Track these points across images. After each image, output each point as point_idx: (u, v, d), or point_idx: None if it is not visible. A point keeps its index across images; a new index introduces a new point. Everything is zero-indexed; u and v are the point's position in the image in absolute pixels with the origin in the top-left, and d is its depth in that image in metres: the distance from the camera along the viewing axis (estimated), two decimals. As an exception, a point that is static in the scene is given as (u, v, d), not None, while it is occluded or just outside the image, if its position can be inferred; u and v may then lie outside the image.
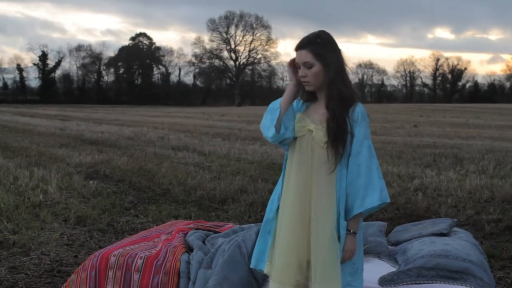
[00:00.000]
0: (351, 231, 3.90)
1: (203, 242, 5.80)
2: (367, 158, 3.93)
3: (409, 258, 5.16)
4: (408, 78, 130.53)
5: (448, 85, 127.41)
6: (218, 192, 11.61)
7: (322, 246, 3.86)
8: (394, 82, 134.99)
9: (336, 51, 3.99)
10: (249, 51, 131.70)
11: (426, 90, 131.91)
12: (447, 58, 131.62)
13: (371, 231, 5.94)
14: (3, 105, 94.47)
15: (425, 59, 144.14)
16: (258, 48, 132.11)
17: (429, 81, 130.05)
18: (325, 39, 4.00)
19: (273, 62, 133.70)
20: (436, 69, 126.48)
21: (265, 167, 15.42)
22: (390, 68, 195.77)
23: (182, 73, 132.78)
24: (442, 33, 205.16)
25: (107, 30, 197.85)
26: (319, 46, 3.95)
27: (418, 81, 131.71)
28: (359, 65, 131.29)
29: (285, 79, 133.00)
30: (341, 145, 3.89)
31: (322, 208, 3.89)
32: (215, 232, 6.26)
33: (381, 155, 17.81)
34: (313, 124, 3.95)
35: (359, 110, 3.97)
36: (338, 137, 3.88)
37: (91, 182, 12.77)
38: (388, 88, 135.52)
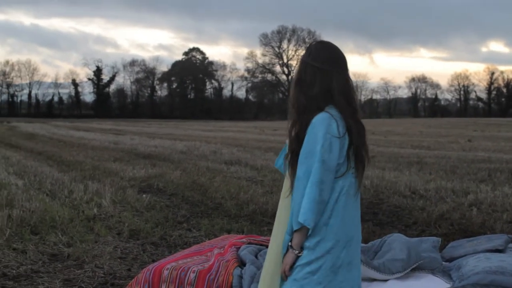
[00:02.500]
0: (290, 244, 3.83)
1: (256, 257, 5.79)
2: (299, 176, 3.80)
3: (464, 274, 5.09)
4: (462, 92, 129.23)
5: (503, 99, 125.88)
6: (270, 206, 11.57)
7: (267, 258, 4.08)
8: (448, 96, 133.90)
9: (309, 63, 3.96)
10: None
11: (480, 104, 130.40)
12: (502, 72, 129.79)
13: (425, 247, 5.87)
14: (59, 120, 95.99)
15: (480, 73, 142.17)
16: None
17: (483, 95, 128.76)
18: (309, 49, 4.06)
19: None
20: (491, 83, 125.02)
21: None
22: (443, 82, 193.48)
23: (235, 87, 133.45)
24: (497, 46, 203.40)
25: (160, 45, 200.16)
26: (304, 54, 4.09)
27: (473, 95, 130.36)
28: (412, 79, 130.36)
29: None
30: (291, 165, 3.92)
31: (276, 228, 4.05)
32: (268, 247, 6.24)
33: (435, 169, 17.65)
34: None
35: (312, 123, 3.82)
36: (291, 156, 3.92)
37: (144, 196, 12.85)
38: (442, 103, 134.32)
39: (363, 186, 13.94)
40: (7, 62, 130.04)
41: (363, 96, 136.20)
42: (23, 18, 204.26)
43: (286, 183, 3.98)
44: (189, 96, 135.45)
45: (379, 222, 10.54)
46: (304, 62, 4.00)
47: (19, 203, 11.25)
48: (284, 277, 3.88)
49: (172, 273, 5.36)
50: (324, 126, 3.76)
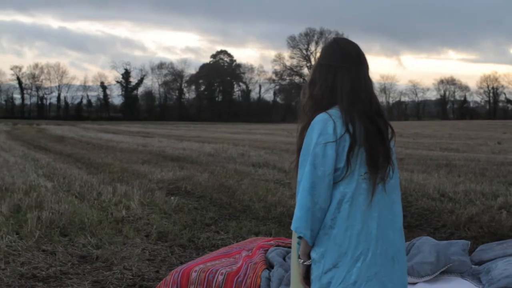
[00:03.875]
0: (298, 254, 3.68)
1: (284, 259, 5.79)
2: (298, 181, 3.62)
3: (493, 278, 5.05)
4: (491, 94, 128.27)
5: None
6: (298, 209, 11.54)
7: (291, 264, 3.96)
8: (477, 98, 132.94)
9: (319, 63, 3.78)
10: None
11: (510, 106, 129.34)
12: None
13: (454, 250, 5.83)
14: (88, 122, 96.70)
15: (509, 75, 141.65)
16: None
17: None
18: (327, 49, 3.82)
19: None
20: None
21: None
22: (472, 84, 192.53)
23: (263, 90, 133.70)
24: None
25: (187, 48, 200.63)
26: (321, 57, 3.84)
27: (502, 97, 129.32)
28: (441, 81, 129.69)
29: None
30: (296, 167, 3.74)
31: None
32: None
33: (464, 172, 17.52)
34: None
35: (311, 124, 3.60)
36: (296, 158, 3.73)
37: (172, 198, 12.89)
38: (471, 105, 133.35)
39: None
40: (36, 65, 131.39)
41: (391, 99, 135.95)
42: (51, 21, 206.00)
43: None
44: (217, 98, 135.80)
45: (407, 225, 10.47)
46: (315, 63, 3.86)
47: (49, 205, 11.31)
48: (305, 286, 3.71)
49: (200, 275, 5.37)
50: (319, 128, 3.53)
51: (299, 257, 3.65)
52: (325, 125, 3.51)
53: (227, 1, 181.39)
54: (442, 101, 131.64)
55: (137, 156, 24.32)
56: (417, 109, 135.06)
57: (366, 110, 3.62)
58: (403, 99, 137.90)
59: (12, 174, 16.45)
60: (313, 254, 3.57)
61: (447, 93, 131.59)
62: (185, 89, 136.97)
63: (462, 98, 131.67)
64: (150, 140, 37.31)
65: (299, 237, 3.60)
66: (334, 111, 3.57)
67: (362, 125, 3.56)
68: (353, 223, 3.51)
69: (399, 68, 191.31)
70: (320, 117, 3.55)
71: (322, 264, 3.54)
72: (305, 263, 3.62)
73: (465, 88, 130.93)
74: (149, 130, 61.07)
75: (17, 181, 14.91)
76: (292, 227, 3.55)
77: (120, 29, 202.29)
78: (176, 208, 11.80)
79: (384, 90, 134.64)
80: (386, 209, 3.62)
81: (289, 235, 9.36)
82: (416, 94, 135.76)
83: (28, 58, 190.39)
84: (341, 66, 3.67)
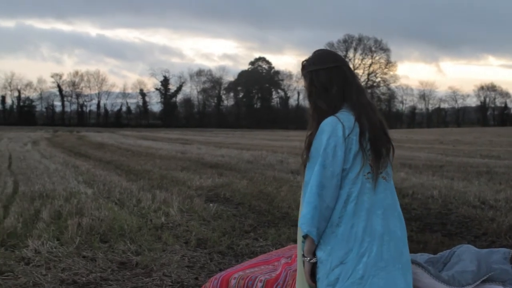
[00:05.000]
0: (302, 253, 3.82)
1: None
2: (306, 182, 3.81)
3: (536, 287, 4.98)
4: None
5: None
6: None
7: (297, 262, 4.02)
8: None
9: (319, 69, 3.91)
10: (368, 74, 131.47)
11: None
12: None
13: (495, 258, 5.76)
14: (127, 129, 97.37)
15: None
16: (377, 71, 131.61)
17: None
18: (310, 59, 4.00)
19: (393, 85, 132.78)
20: None
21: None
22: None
23: (301, 96, 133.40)
24: None
25: (224, 55, 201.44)
26: (305, 68, 3.99)
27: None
28: (481, 88, 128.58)
29: (404, 102, 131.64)
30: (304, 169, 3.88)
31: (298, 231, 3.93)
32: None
33: (505, 179, 17.34)
34: None
35: (320, 127, 3.79)
36: (304, 160, 3.89)
37: (211, 205, 12.91)
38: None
39: (431, 197, 13.81)
40: (76, 73, 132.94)
41: (430, 105, 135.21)
42: (90, 29, 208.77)
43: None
44: (255, 105, 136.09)
45: (447, 233, 10.40)
46: (313, 71, 3.94)
47: (89, 212, 11.40)
48: (311, 284, 3.83)
49: (239, 282, 5.36)
50: (329, 130, 3.70)
51: (303, 255, 3.79)
52: (335, 128, 3.70)
53: (264, 9, 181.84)
54: (482, 108, 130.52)
55: (176, 163, 24.40)
56: (457, 116, 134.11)
57: (371, 107, 3.90)
58: (442, 105, 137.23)
59: (53, 181, 16.60)
60: (320, 252, 3.74)
61: (487, 99, 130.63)
62: (223, 96, 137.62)
63: (503, 105, 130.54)
64: (189, 147, 37.45)
65: (305, 236, 3.74)
66: (344, 113, 3.79)
67: (368, 124, 3.80)
68: (358, 221, 3.69)
69: (439, 75, 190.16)
70: (330, 120, 3.73)
71: (329, 261, 3.70)
72: (311, 260, 3.76)
73: (506, 95, 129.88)
74: (188, 137, 61.32)
75: (57, 187, 15.04)
76: (300, 225, 3.72)
77: (158, 37, 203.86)
78: (215, 215, 11.83)
79: (423, 96, 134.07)
80: (391, 208, 3.88)
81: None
82: (456, 101, 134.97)
83: (68, 65, 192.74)
84: (346, 65, 3.97)
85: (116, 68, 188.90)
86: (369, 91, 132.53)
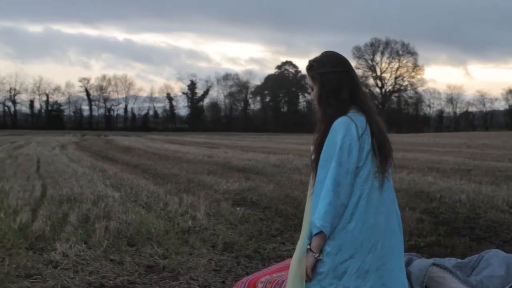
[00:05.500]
0: (309, 247, 3.87)
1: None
2: (319, 180, 3.89)
3: None
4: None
5: None
6: (364, 220, 11.45)
7: (293, 257, 4.06)
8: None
9: (330, 72, 4.00)
10: (395, 78, 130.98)
11: None
12: None
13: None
14: (154, 133, 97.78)
15: None
16: (404, 75, 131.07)
17: None
18: (320, 61, 4.08)
19: (420, 89, 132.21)
20: None
21: (412, 195, 15.12)
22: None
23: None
24: None
25: (251, 59, 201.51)
26: (314, 69, 4.07)
27: None
28: (509, 91, 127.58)
29: (432, 106, 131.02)
30: (314, 169, 4.01)
31: (303, 229, 4.02)
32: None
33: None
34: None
35: (332, 127, 3.90)
36: (315, 161, 3.99)
37: (238, 209, 12.91)
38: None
39: (459, 201, 13.72)
40: (103, 77, 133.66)
41: (458, 109, 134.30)
42: (116, 34, 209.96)
43: (311, 182, 4.06)
44: (282, 109, 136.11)
45: (476, 237, 10.32)
46: (322, 73, 4.03)
47: (116, 215, 11.45)
48: (308, 279, 3.91)
49: (266, 286, 5.36)
50: (343, 129, 3.82)
51: (311, 251, 3.86)
52: (349, 126, 3.83)
53: (291, 12, 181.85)
54: (511, 112, 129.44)
55: (202, 167, 24.44)
56: (485, 120, 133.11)
57: (375, 109, 4.05)
58: (470, 109, 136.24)
59: (81, 185, 16.70)
60: (328, 248, 3.85)
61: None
62: (250, 100, 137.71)
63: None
64: (216, 151, 37.51)
65: (315, 233, 3.83)
66: (354, 114, 3.92)
67: (376, 125, 3.95)
68: (367, 218, 3.84)
69: (466, 78, 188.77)
70: (342, 120, 3.86)
71: (338, 256, 3.83)
72: (319, 257, 3.86)
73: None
74: (215, 141, 61.42)
75: (85, 191, 15.13)
76: (316, 222, 3.78)
77: (184, 41, 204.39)
78: (242, 219, 11.83)
79: (451, 100, 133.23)
80: (391, 205, 4.02)
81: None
82: (484, 104, 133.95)
83: (95, 70, 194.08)
84: (353, 70, 4.11)
85: (143, 72, 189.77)
86: (396, 94, 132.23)
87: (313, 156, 4.06)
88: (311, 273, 3.89)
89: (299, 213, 12.43)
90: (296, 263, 3.98)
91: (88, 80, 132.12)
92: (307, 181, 18.33)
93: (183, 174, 21.26)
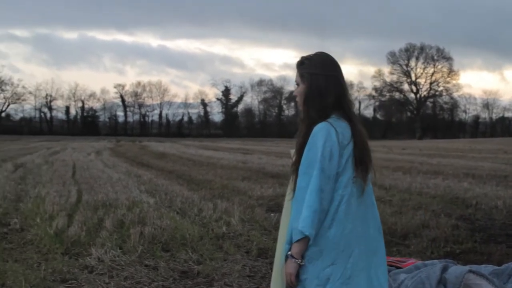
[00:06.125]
0: (290, 253, 3.86)
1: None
2: (300, 187, 3.87)
3: None
4: None
5: None
6: (399, 226, 11.39)
7: (273, 269, 4.11)
8: None
9: (320, 74, 4.01)
10: (430, 83, 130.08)
11: None
12: None
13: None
14: (188, 139, 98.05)
15: None
16: (439, 80, 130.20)
17: None
18: (312, 60, 4.08)
19: (455, 94, 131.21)
20: None
21: (448, 201, 15.01)
22: None
23: (362, 106, 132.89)
24: None
25: (285, 64, 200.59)
26: (304, 67, 4.07)
27: None
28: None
29: (467, 112, 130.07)
30: (295, 171, 4.00)
31: (280, 234, 4.05)
32: (397, 268, 6.16)
33: None
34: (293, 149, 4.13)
35: (313, 132, 3.91)
36: (296, 164, 4.00)
37: (272, 214, 12.88)
38: None
39: (495, 207, 13.58)
40: (138, 83, 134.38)
41: (494, 114, 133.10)
42: (151, 40, 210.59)
43: (290, 186, 4.06)
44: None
45: (513, 244, 10.22)
46: (312, 74, 4.04)
47: (151, 221, 11.50)
48: (292, 286, 3.90)
49: None
50: (324, 135, 3.83)
51: (292, 257, 3.84)
52: (329, 132, 3.84)
53: (324, 18, 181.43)
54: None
55: (237, 173, 24.45)
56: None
57: (355, 116, 4.06)
58: (506, 114, 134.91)
59: (116, 190, 16.79)
60: (310, 254, 3.85)
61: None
62: (284, 106, 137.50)
63: None
64: (250, 157, 37.51)
65: (299, 238, 3.80)
66: (335, 119, 3.94)
67: (358, 131, 3.99)
68: (347, 223, 3.86)
69: (502, 83, 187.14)
70: (323, 125, 3.88)
71: (320, 262, 3.83)
72: (301, 263, 3.85)
73: None
74: (249, 147, 61.43)
75: (120, 197, 15.21)
76: (300, 228, 3.76)
77: (218, 47, 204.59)
78: (276, 225, 11.78)
79: (487, 105, 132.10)
80: (369, 210, 4.05)
81: (390, 253, 9.24)
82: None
83: (130, 76, 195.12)
84: (342, 75, 4.12)
85: (177, 78, 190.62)
86: (431, 100, 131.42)
87: (294, 158, 4.09)
88: (295, 280, 3.89)
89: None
90: (280, 270, 3.98)
91: (123, 87, 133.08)
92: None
93: (217, 180, 21.29)
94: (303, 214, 3.76)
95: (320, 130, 3.85)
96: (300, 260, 3.83)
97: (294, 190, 3.94)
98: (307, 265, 3.84)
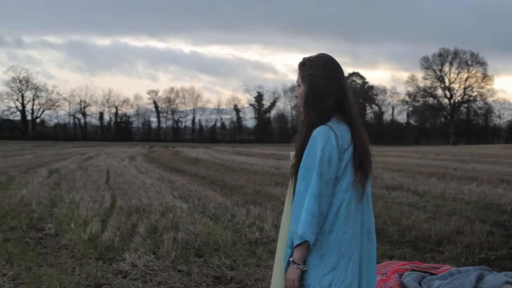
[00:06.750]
0: (291, 259, 3.84)
1: (419, 284, 5.69)
2: (299, 191, 3.85)
3: None
4: None
5: None
6: (433, 232, 11.32)
7: (273, 273, 4.11)
8: None
9: (321, 75, 3.99)
10: (464, 88, 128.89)
11: None
12: None
13: None
14: (221, 145, 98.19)
15: None
16: (473, 85, 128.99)
17: None
18: (314, 62, 4.06)
19: (490, 100, 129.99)
20: None
21: (482, 207, 14.88)
22: None
23: (395, 112, 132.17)
24: None
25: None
26: (306, 68, 4.05)
27: None
28: None
29: (502, 117, 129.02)
30: (295, 174, 3.98)
31: (280, 238, 4.07)
32: (431, 274, 6.12)
33: None
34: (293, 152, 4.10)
35: (312, 135, 3.89)
36: (296, 167, 3.97)
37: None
38: None
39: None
40: (171, 89, 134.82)
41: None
42: (183, 46, 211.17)
43: (290, 189, 4.04)
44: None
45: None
46: (313, 75, 4.02)
47: (184, 226, 11.53)
48: None
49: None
50: (323, 139, 3.81)
51: (294, 263, 3.82)
52: (328, 137, 3.82)
53: (356, 23, 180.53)
54: None
55: (270, 178, 24.42)
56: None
57: (358, 119, 4.04)
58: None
59: (149, 196, 16.86)
60: (311, 259, 3.83)
61: None
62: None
63: None
64: (283, 163, 37.44)
65: (300, 243, 3.78)
66: (335, 123, 3.92)
67: (358, 135, 3.98)
68: (347, 228, 3.86)
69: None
70: (322, 129, 3.86)
71: (321, 267, 3.82)
72: (304, 268, 3.83)
73: None
74: (282, 152, 61.32)
75: (153, 202, 15.27)
76: (300, 232, 3.74)
77: (250, 53, 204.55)
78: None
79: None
80: (367, 214, 4.08)
81: (424, 259, 9.19)
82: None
83: (163, 82, 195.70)
84: (344, 77, 4.11)
85: (209, 84, 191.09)
86: (465, 105, 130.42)
87: (293, 160, 4.06)
88: (298, 286, 3.88)
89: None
90: (281, 274, 3.98)
91: (156, 92, 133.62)
92: (374, 192, 18.17)
93: (250, 185, 21.29)
94: (303, 220, 3.76)
95: (320, 134, 3.84)
96: (302, 266, 3.83)
97: (294, 193, 3.93)
98: (309, 270, 3.84)
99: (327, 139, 3.81)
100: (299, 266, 3.82)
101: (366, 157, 3.99)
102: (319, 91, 3.97)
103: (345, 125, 3.92)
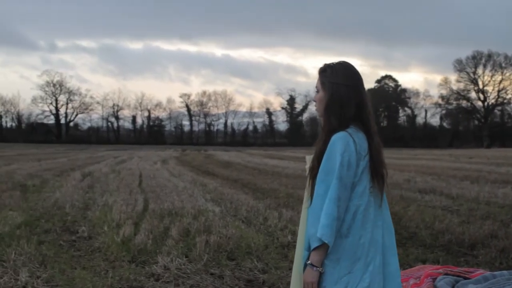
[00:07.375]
0: (309, 262, 3.86)
1: (453, 288, 5.65)
2: (318, 194, 3.89)
3: None
4: None
5: None
6: (467, 236, 11.23)
7: (292, 275, 4.09)
8: None
9: (341, 84, 4.01)
10: (498, 91, 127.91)
11: None
12: None
13: None
14: (253, 148, 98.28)
15: None
16: (507, 88, 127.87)
17: None
18: (335, 69, 4.08)
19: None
20: None
21: (517, 211, 14.76)
22: None
23: (428, 115, 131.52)
24: None
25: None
26: (326, 75, 4.07)
27: None
28: None
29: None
30: (312, 178, 4.02)
31: (298, 241, 4.08)
32: (465, 278, 6.07)
33: None
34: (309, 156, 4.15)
35: (331, 141, 3.92)
36: (314, 170, 4.00)
37: (337, 223, 12.81)
38: None
39: None
40: (204, 93, 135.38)
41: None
42: (215, 50, 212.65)
43: (307, 193, 4.10)
44: (381, 124, 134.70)
45: None
46: (333, 83, 4.04)
47: (216, 230, 11.55)
48: None
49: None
50: (342, 145, 3.85)
51: (311, 266, 3.84)
52: (348, 143, 3.86)
53: (388, 26, 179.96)
54: None
55: (302, 182, 24.34)
56: None
57: (374, 127, 4.07)
58: None
59: (182, 199, 16.91)
60: (327, 262, 3.86)
61: None
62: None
63: None
64: (315, 166, 37.39)
65: (318, 246, 3.81)
66: (354, 129, 3.95)
67: (374, 142, 4.01)
68: (364, 233, 3.88)
69: None
70: (342, 135, 3.89)
71: (337, 270, 3.85)
72: (322, 270, 3.85)
73: None
74: (314, 155, 61.28)
75: (186, 205, 15.32)
76: (319, 235, 3.77)
77: (282, 56, 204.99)
78: (341, 234, 11.73)
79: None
80: (387, 219, 4.08)
81: (457, 263, 9.12)
82: None
83: (195, 85, 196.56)
84: (363, 86, 4.10)
85: (241, 87, 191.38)
86: (499, 108, 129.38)
87: (312, 164, 4.09)
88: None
89: (399, 228, 12.27)
90: (299, 276, 3.98)
91: (188, 96, 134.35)
92: (407, 196, 18.16)
93: (282, 189, 21.27)
94: (322, 222, 3.78)
95: (339, 139, 3.88)
96: (321, 268, 3.85)
97: (311, 197, 3.97)
98: (325, 273, 3.86)
99: (347, 145, 3.85)
100: (318, 268, 3.85)
101: (381, 165, 4.04)
102: (339, 99, 4.00)
103: (362, 133, 3.97)
